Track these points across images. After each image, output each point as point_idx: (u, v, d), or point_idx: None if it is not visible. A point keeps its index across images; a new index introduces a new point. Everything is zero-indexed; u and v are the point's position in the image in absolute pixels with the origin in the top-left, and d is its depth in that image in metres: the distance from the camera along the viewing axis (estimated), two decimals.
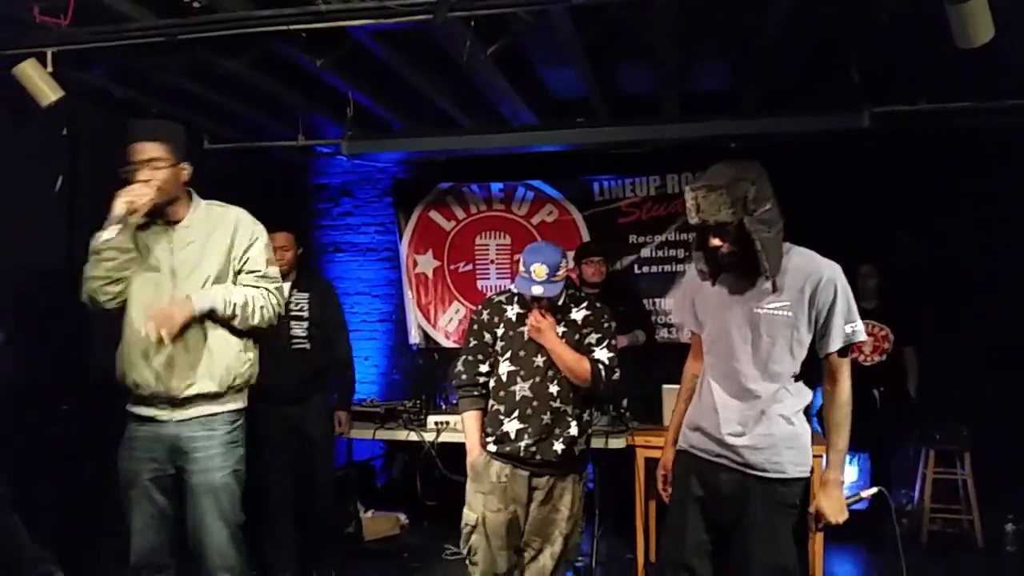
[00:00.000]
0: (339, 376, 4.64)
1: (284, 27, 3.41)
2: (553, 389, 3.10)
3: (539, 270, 2.99)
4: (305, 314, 4.38)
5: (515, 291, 3.20)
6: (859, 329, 2.49)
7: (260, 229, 2.98)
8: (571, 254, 6.03)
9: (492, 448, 3.16)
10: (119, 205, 2.69)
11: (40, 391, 4.06)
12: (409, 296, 6.53)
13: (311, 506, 4.47)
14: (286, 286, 4.27)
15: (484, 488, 3.17)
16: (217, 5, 3.34)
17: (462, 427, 3.33)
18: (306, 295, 4.42)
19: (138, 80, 4.35)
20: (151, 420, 2.83)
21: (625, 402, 4.67)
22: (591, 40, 3.86)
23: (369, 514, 5.50)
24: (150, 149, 2.77)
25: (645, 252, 6.08)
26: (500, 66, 4.08)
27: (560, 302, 3.14)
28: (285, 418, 4.28)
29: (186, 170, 2.87)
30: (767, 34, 3.79)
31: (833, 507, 2.51)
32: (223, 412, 2.87)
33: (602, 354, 3.13)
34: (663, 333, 5.92)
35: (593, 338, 3.15)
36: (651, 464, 4.49)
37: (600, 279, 5.18)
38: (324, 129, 5.46)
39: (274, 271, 2.99)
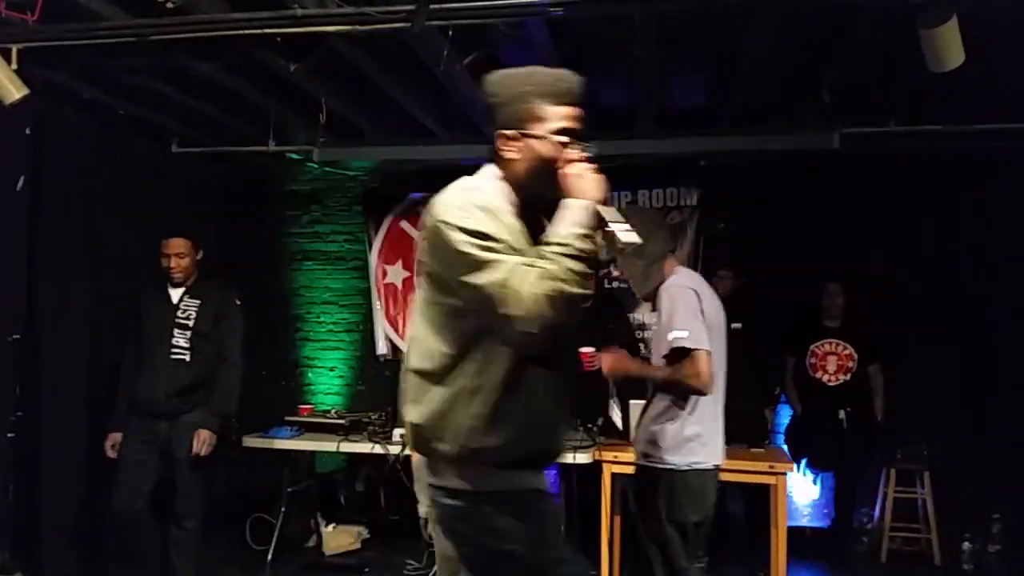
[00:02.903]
0: (217, 390, 4.16)
1: (259, 31, 3.37)
2: None
3: None
4: (190, 323, 4.14)
5: None
6: (679, 336, 2.93)
7: None
8: None
9: None
10: (599, 187, 1.90)
11: None
12: (378, 306, 6.47)
13: (172, 535, 4.12)
14: (178, 292, 4.17)
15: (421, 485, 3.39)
16: (191, 6, 3.28)
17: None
18: (196, 303, 4.18)
19: (107, 80, 4.27)
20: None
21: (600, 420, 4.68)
22: (567, 53, 3.87)
23: (330, 528, 5.42)
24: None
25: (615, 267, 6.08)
26: (476, 76, 4.06)
27: None
28: (151, 432, 4.05)
29: None
30: (743, 54, 3.83)
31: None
32: None
33: None
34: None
35: None
36: (618, 480, 4.50)
37: None
38: (295, 135, 5.40)
39: None
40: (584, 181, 1.86)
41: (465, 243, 1.76)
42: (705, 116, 4.92)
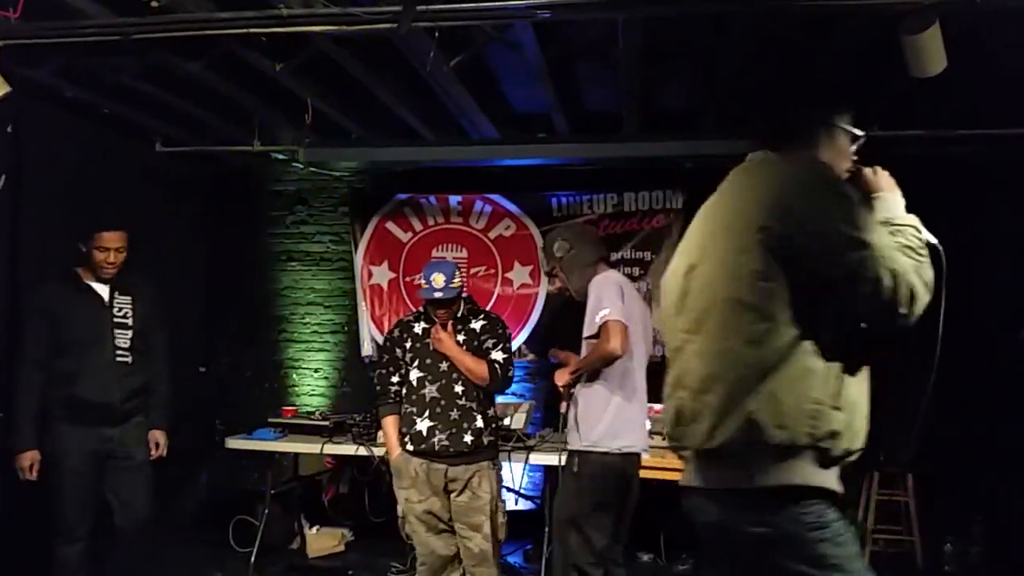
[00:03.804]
0: (157, 387, 4.06)
1: (244, 30, 3.36)
2: (458, 389, 3.60)
3: (437, 279, 3.57)
4: (129, 322, 3.92)
5: (422, 309, 3.76)
6: (604, 313, 3.30)
7: None
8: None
9: (409, 447, 3.61)
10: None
11: None
12: (363, 308, 6.45)
13: (126, 544, 3.95)
14: (106, 288, 3.90)
15: (404, 484, 3.63)
16: (176, 5, 3.27)
17: (382, 432, 3.84)
18: (128, 300, 3.94)
19: (90, 79, 4.24)
20: None
21: None
22: (554, 56, 3.87)
23: (314, 530, 5.40)
24: None
25: None
26: (462, 79, 4.07)
27: (460, 314, 3.71)
28: (98, 439, 3.81)
29: None
30: (726, 58, 3.85)
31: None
32: None
33: (497, 355, 3.65)
34: None
35: (490, 342, 3.68)
36: None
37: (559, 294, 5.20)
38: (280, 135, 5.38)
39: None
40: (889, 177, 1.97)
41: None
42: (690, 119, 4.94)
